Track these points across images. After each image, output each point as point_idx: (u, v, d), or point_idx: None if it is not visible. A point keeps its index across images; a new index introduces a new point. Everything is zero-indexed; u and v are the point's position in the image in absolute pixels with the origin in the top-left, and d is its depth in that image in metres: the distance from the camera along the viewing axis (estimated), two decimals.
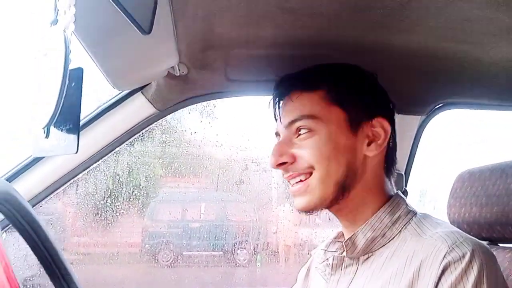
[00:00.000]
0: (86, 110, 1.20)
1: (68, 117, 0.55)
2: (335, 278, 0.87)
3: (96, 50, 0.83)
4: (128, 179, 2.25)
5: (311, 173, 0.85)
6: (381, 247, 0.83)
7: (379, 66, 0.93)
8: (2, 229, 1.12)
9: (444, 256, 0.72)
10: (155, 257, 2.70)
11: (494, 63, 1.09)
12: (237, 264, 2.63)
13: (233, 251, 2.62)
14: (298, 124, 0.87)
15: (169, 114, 1.24)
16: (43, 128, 0.58)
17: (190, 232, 2.72)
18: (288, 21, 0.90)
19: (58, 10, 0.55)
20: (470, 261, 0.71)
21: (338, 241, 0.92)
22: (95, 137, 1.19)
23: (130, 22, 0.59)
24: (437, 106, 1.33)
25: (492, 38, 0.96)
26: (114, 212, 2.27)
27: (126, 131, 1.20)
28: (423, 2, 0.83)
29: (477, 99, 1.32)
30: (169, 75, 1.11)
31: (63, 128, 0.57)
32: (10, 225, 0.95)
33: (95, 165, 1.25)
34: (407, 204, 0.87)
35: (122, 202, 2.28)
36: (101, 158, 1.23)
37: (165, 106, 1.19)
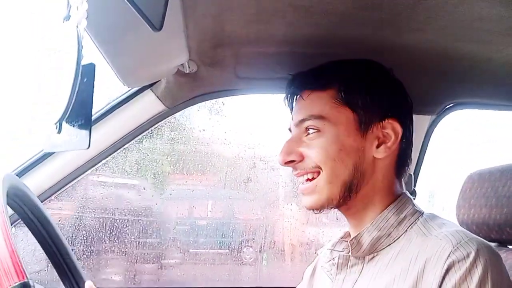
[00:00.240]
0: (97, 106, 1.21)
1: (80, 113, 0.56)
2: (340, 277, 0.88)
3: (106, 47, 0.83)
4: (136, 176, 2.26)
5: (319, 173, 0.86)
6: (386, 247, 0.83)
7: (389, 65, 0.92)
8: (12, 224, 1.13)
9: (449, 255, 0.72)
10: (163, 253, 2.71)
11: (506, 63, 1.07)
12: (243, 262, 2.63)
13: (239, 249, 2.62)
14: (307, 123, 0.87)
15: (178, 112, 1.24)
16: (55, 124, 0.59)
17: (197, 229, 2.73)
18: (299, 19, 0.90)
19: (70, 6, 0.55)
20: (475, 261, 0.71)
21: (345, 241, 0.92)
22: (104, 134, 1.19)
23: (141, 18, 0.59)
24: (447, 106, 1.32)
25: (504, 38, 0.95)
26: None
27: (135, 128, 1.21)
28: (434, 1, 0.83)
29: (488, 99, 1.31)
30: (178, 73, 1.11)
31: (75, 124, 0.57)
32: (20, 220, 0.96)
33: (104, 161, 1.25)
34: (414, 204, 0.87)
35: None
36: (110, 155, 1.24)
37: (175, 104, 1.20)
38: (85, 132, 0.56)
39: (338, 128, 0.85)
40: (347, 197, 0.85)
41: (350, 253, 0.86)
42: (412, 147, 0.92)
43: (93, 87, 0.56)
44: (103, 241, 1.91)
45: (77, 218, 1.89)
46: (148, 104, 1.19)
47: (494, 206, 1.06)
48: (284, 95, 0.95)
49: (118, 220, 1.95)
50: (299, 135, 0.89)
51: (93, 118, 1.18)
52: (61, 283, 0.99)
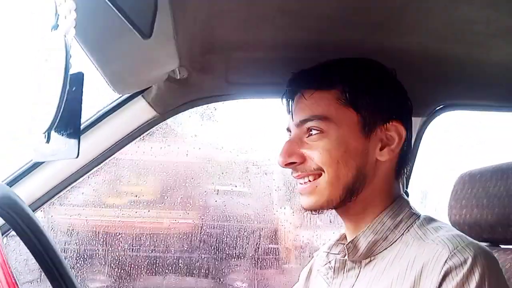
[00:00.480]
0: (88, 114, 1.20)
1: (69, 122, 0.55)
2: (337, 282, 0.87)
3: (96, 54, 0.83)
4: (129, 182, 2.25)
5: (320, 175, 0.83)
6: (383, 250, 0.82)
7: None
8: (3, 234, 1.12)
9: (446, 261, 0.71)
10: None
11: (495, 64, 1.09)
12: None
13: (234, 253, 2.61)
14: (309, 124, 0.85)
15: (169, 118, 1.24)
16: (44, 133, 0.58)
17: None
18: (288, 24, 0.90)
19: (58, 15, 0.55)
20: (472, 267, 0.69)
21: (341, 243, 0.91)
22: (95, 141, 1.19)
23: (130, 26, 0.59)
24: (438, 108, 1.33)
25: (493, 39, 0.96)
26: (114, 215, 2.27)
27: (127, 135, 1.20)
28: (423, 4, 0.84)
29: (478, 100, 1.32)
30: (169, 79, 1.11)
31: (63, 133, 0.57)
32: (11, 230, 0.95)
33: (96, 168, 1.25)
34: (410, 207, 0.86)
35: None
36: (102, 162, 1.23)
37: (166, 110, 1.19)
38: (74, 141, 0.56)
39: (342, 129, 0.83)
40: (347, 199, 0.84)
41: (346, 257, 0.85)
42: (411, 149, 0.91)
43: (82, 96, 0.56)
44: (230, 247, 1.93)
45: (202, 226, 1.93)
46: (139, 111, 1.18)
47: (486, 206, 1.07)
48: (283, 93, 0.92)
49: (237, 228, 1.96)
50: (300, 135, 0.86)
51: (84, 125, 1.17)
52: None
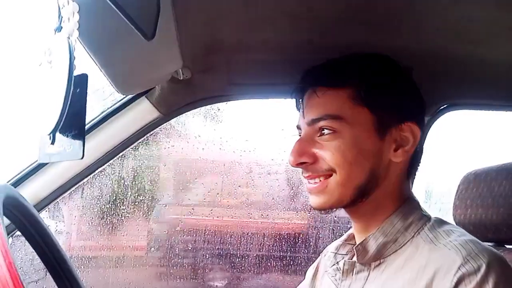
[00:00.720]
0: (92, 114, 1.21)
1: (73, 123, 0.56)
2: (346, 284, 0.85)
3: (100, 55, 0.83)
4: (133, 183, 2.26)
5: (331, 175, 0.81)
6: (393, 253, 0.80)
7: None
8: (9, 234, 1.12)
9: (459, 268, 0.69)
10: (161, 260, 2.70)
11: (498, 64, 1.08)
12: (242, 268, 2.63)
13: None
14: (321, 123, 0.81)
15: (173, 118, 1.24)
16: (49, 134, 0.59)
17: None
18: (290, 25, 0.90)
19: (62, 17, 0.55)
20: (486, 275, 0.68)
21: (349, 244, 0.90)
22: (100, 142, 1.19)
23: (133, 28, 0.59)
24: (441, 108, 1.32)
25: (496, 38, 0.96)
26: (120, 215, 2.28)
27: (131, 135, 1.21)
28: (425, 3, 0.83)
29: (481, 100, 1.31)
30: (172, 79, 1.11)
31: (68, 134, 0.57)
32: (16, 230, 0.95)
33: (100, 169, 1.25)
34: (421, 209, 0.84)
35: (128, 206, 2.28)
36: (106, 162, 1.24)
37: (169, 110, 1.20)
38: (78, 143, 0.56)
39: (356, 130, 0.80)
40: (358, 200, 0.81)
41: (356, 259, 0.83)
42: (423, 149, 0.89)
43: (86, 97, 0.56)
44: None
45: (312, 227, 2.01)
46: (143, 111, 1.19)
47: (491, 206, 1.06)
48: (294, 90, 0.90)
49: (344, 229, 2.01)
50: (312, 135, 0.83)
51: (88, 125, 1.18)
52: None
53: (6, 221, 0.86)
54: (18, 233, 0.93)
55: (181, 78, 1.10)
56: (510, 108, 1.37)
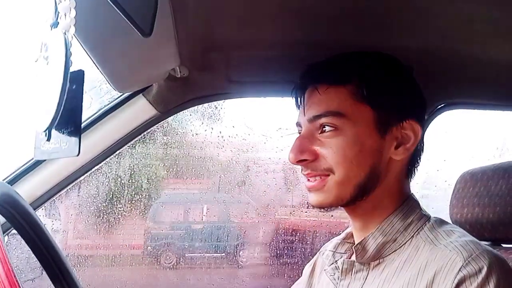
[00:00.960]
0: (89, 112, 1.21)
1: (70, 120, 0.55)
2: (345, 283, 0.85)
3: (97, 53, 0.83)
4: (130, 181, 2.26)
5: (328, 175, 0.80)
6: (392, 253, 0.80)
7: None
8: (4, 232, 1.12)
9: (460, 270, 0.69)
10: (158, 259, 2.70)
11: (496, 63, 1.08)
12: (240, 266, 2.63)
13: (235, 253, 2.61)
14: (323, 120, 0.81)
15: (170, 116, 1.24)
16: (44, 131, 0.58)
17: (192, 233, 2.72)
18: (288, 22, 0.90)
19: (58, 13, 0.55)
20: (487, 277, 0.68)
21: (347, 242, 0.90)
22: (96, 140, 1.19)
23: (130, 24, 0.59)
24: (439, 107, 1.32)
25: (494, 38, 0.96)
26: (116, 214, 2.28)
27: (128, 133, 1.20)
28: (424, 3, 0.83)
29: (479, 99, 1.31)
30: (170, 77, 1.11)
31: (64, 131, 0.57)
32: (12, 228, 0.95)
33: (97, 167, 1.25)
34: (420, 208, 0.84)
35: (124, 204, 2.28)
36: (103, 161, 1.23)
37: (167, 108, 1.19)
38: (74, 140, 0.56)
39: (358, 127, 0.80)
40: (358, 198, 0.81)
41: (355, 259, 0.83)
42: (423, 147, 0.88)
43: (82, 94, 0.56)
44: None
45: None
46: (140, 109, 1.18)
47: (487, 205, 1.07)
48: (294, 86, 0.89)
49: None
50: (313, 132, 0.82)
51: (85, 123, 1.17)
52: None
53: (2, 219, 0.85)
54: (14, 231, 0.93)
55: (179, 76, 1.10)
56: (508, 108, 1.37)
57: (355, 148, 0.79)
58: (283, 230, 2.40)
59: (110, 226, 2.30)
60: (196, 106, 1.26)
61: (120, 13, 0.57)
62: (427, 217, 0.82)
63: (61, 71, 0.51)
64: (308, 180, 0.83)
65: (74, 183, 1.24)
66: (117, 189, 2.26)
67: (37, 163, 1.18)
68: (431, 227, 0.80)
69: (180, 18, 0.84)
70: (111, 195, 2.25)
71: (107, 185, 2.23)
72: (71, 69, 0.53)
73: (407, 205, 0.83)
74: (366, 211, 0.84)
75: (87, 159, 1.20)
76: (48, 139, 0.59)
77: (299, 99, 0.87)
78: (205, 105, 1.77)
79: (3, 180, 1.17)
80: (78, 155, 0.55)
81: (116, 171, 2.16)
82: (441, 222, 0.82)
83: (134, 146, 2.13)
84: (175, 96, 1.18)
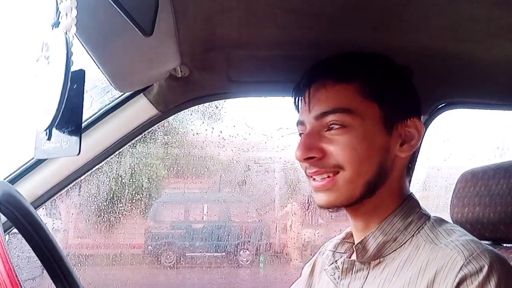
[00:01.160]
0: (89, 112, 1.21)
1: (70, 119, 0.55)
2: (345, 283, 0.85)
3: (98, 52, 0.83)
4: (131, 180, 2.26)
5: (338, 172, 0.80)
6: (392, 252, 0.80)
7: None
8: (5, 231, 1.12)
9: (461, 269, 0.69)
10: (158, 258, 2.71)
11: (497, 63, 1.08)
12: (240, 265, 2.64)
13: (235, 252, 2.62)
14: (330, 117, 0.80)
15: (171, 116, 1.24)
16: (45, 130, 0.58)
17: (193, 233, 2.73)
18: (289, 22, 0.90)
19: (59, 13, 0.55)
20: (488, 275, 0.68)
21: (347, 242, 0.90)
22: (97, 139, 1.19)
23: (131, 24, 0.59)
24: (439, 106, 1.32)
25: (495, 38, 0.96)
26: (117, 213, 2.28)
27: (129, 133, 1.20)
28: (424, 2, 0.83)
29: (480, 98, 1.31)
30: (171, 77, 1.11)
31: (65, 130, 0.57)
32: (13, 227, 0.95)
33: (97, 166, 1.25)
34: (420, 207, 0.84)
35: (125, 204, 2.29)
36: (104, 160, 1.23)
37: (167, 108, 1.19)
38: (75, 139, 0.56)
39: (366, 124, 0.80)
40: (366, 197, 0.81)
41: (355, 258, 0.83)
42: (420, 146, 0.91)
43: (83, 94, 0.56)
44: None
45: None
46: (141, 109, 1.18)
47: (488, 204, 1.07)
48: (299, 83, 0.88)
49: None
50: (319, 129, 0.82)
51: (86, 123, 1.17)
52: None
53: (3, 218, 0.85)
54: (15, 230, 0.93)
55: (179, 75, 1.10)
56: (508, 107, 1.37)
57: (364, 145, 0.79)
58: None
59: (110, 225, 2.31)
60: (196, 106, 1.25)
61: (121, 13, 0.57)
62: (427, 216, 0.83)
63: (62, 70, 0.51)
64: (315, 179, 0.83)
65: (74, 182, 1.24)
66: (118, 188, 2.26)
67: (38, 162, 1.18)
68: (431, 226, 0.80)
69: (181, 18, 0.85)
70: (111, 195, 2.25)
71: (108, 184, 2.23)
72: (72, 69, 0.53)
73: (407, 204, 0.83)
74: (368, 211, 0.83)
75: (87, 158, 1.20)
76: (49, 139, 0.59)
77: (302, 97, 0.87)
78: (206, 104, 1.77)
79: (4, 179, 1.17)
80: (78, 154, 0.55)
81: (116, 171, 2.17)
82: (441, 221, 0.82)
83: (135, 146, 2.13)
84: (176, 95, 1.18)
